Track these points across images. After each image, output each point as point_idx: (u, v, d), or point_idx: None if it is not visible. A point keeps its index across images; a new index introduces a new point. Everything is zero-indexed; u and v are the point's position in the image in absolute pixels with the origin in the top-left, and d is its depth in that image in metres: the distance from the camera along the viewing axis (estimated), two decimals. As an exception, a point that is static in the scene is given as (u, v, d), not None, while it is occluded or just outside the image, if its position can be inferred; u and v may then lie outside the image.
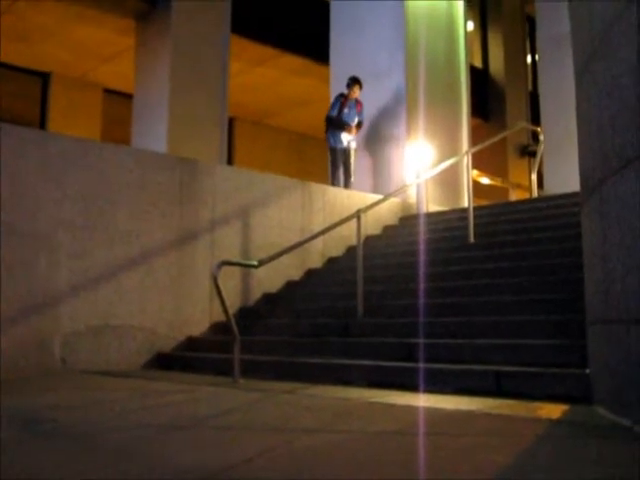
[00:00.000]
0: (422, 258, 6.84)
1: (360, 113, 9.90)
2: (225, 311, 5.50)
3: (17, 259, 5.95)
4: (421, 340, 5.25)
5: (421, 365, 4.82)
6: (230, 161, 13.47)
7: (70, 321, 6.18)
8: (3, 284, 5.81)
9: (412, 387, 4.63)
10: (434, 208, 9.61)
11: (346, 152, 9.73)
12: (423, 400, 4.27)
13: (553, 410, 3.75)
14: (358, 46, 10.51)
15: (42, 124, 12.33)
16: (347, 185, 9.60)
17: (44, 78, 12.65)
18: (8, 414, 3.92)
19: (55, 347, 6.10)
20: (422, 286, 6.07)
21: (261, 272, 7.21)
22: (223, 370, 5.79)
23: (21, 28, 11.15)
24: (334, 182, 9.58)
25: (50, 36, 11.51)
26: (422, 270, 6.36)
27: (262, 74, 13.36)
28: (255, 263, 6.03)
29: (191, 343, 6.89)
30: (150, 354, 6.67)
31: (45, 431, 3.46)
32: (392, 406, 4.09)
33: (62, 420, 3.75)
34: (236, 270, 7.16)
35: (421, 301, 5.76)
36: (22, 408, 4.16)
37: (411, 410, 3.95)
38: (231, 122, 12.13)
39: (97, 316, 6.33)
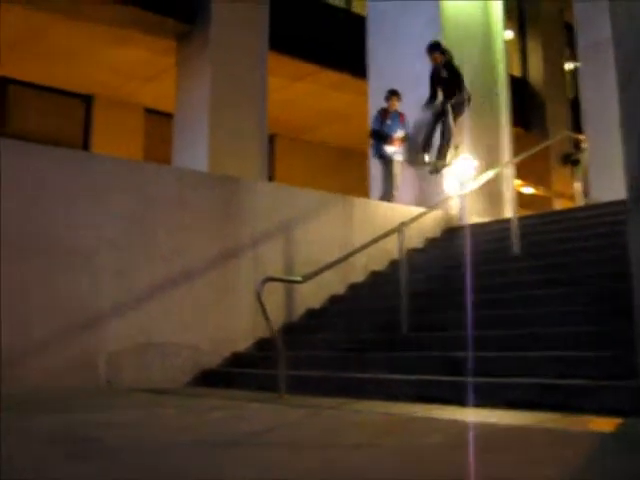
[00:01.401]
0: (466, 270, 6.75)
1: (403, 125, 9.89)
2: (269, 327, 5.51)
3: (64, 278, 6.04)
4: (467, 353, 5.17)
5: (467, 379, 4.75)
6: (271, 177, 13.54)
7: (114, 339, 6.25)
8: (49, 303, 5.91)
9: (458, 401, 4.55)
10: (476, 219, 9.51)
11: (390, 164, 9.74)
12: (471, 414, 4.21)
13: (605, 423, 3.66)
14: (395, 58, 10.49)
15: (85, 145, 12.56)
16: (390, 198, 9.58)
17: (87, 100, 12.89)
18: (54, 430, 3.96)
19: (100, 365, 6.16)
20: (467, 299, 5.99)
21: (304, 287, 7.19)
22: (268, 386, 5.77)
23: (63, 52, 11.39)
24: (382, 195, 9.64)
25: (93, 58, 11.74)
26: (467, 282, 6.28)
27: (301, 90, 13.43)
28: (299, 279, 6.03)
29: (235, 359, 6.90)
30: (194, 371, 6.69)
31: (90, 449, 3.48)
32: (438, 420, 4.03)
33: (107, 439, 3.77)
34: (279, 286, 7.15)
35: (467, 314, 5.68)
36: (65, 425, 4.20)
37: (458, 424, 3.89)
38: (271, 138, 12.20)
39: (141, 334, 6.39)
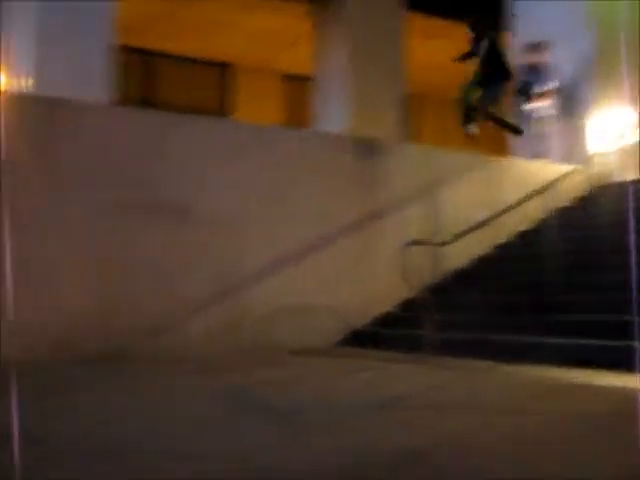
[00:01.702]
0: (621, 229, 6.41)
1: (548, 79, 9.46)
2: (415, 288, 5.48)
3: (211, 243, 6.26)
4: (631, 317, 4.92)
5: (635, 343, 4.53)
6: (411, 139, 13.38)
7: (262, 302, 6.43)
8: (200, 268, 6.15)
9: (620, 367, 4.35)
10: (626, 177, 8.98)
11: (535, 120, 9.39)
12: (635, 381, 4.02)
13: None
14: (540, 12, 10.02)
15: (227, 113, 12.86)
16: (537, 155, 9.24)
17: (226, 69, 13.18)
18: (222, 391, 4.14)
19: (250, 326, 6.35)
20: (624, 259, 5.70)
21: (450, 249, 7.06)
22: (415, 347, 5.76)
23: (203, 23, 11.66)
24: (528, 153, 9.32)
25: (230, 28, 11.95)
26: (623, 242, 5.96)
27: (437, 48, 13.11)
28: (444, 241, 5.95)
29: (382, 320, 6.94)
30: (342, 332, 6.79)
31: (259, 407, 3.61)
32: (597, 387, 3.88)
33: (270, 397, 3.90)
34: (424, 247, 7.09)
35: (625, 275, 5.40)
36: (232, 386, 4.38)
37: (619, 391, 3.72)
38: (410, 99, 11.99)
39: (288, 297, 6.53)
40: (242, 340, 6.31)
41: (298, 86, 13.13)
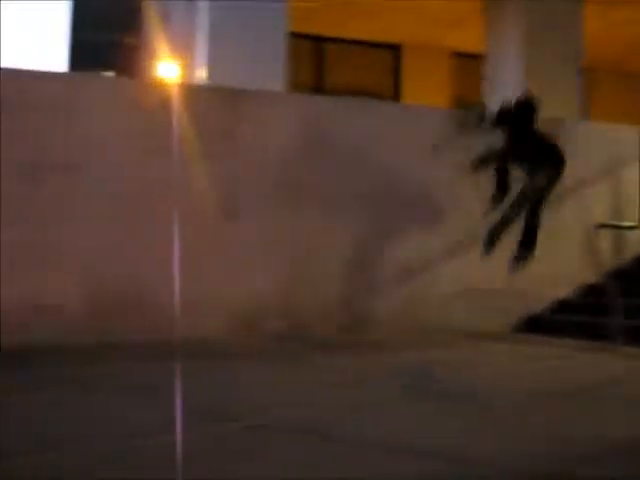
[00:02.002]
0: None
1: None
2: (600, 273, 5.28)
3: (394, 227, 6.35)
4: None
5: None
6: (588, 115, 12.78)
7: (445, 284, 6.45)
8: (380, 249, 6.27)
9: None
10: None
11: None
12: None
13: None
14: None
15: (396, 94, 12.87)
16: None
17: (395, 50, 13.17)
18: (395, 371, 4.21)
19: (432, 308, 6.39)
20: None
21: (634, 232, 6.75)
22: (597, 335, 5.57)
23: (371, 5, 11.70)
24: None
25: (399, 8, 11.91)
26: None
27: (617, 17, 12.39)
28: (634, 224, 5.66)
29: (561, 306, 6.73)
30: (519, 317, 6.67)
31: (439, 392, 3.64)
32: None
33: (447, 380, 3.92)
34: (607, 230, 6.80)
35: None
36: (406, 366, 4.44)
37: None
38: (585, 72, 11.44)
39: (468, 279, 6.50)
40: (420, 321, 6.36)
41: (469, 64, 12.89)
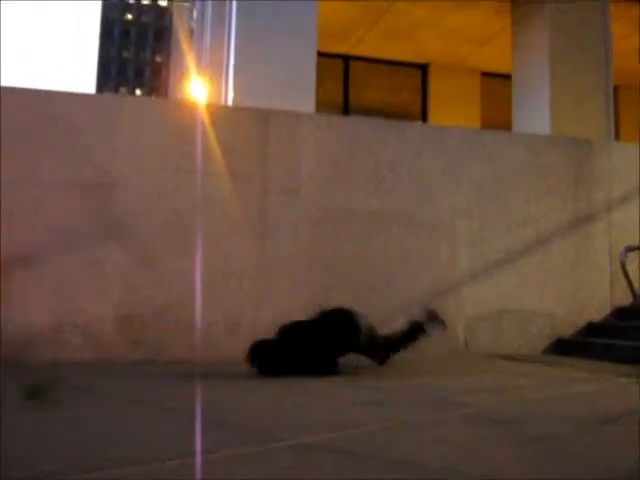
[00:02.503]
0: None
1: None
2: (631, 296, 5.22)
3: (421, 247, 6.34)
4: None
5: None
6: (616, 134, 12.71)
7: (472, 305, 6.41)
8: (408, 270, 6.24)
9: None
10: None
11: None
12: None
13: None
14: None
15: (423, 113, 12.90)
16: None
17: (423, 69, 13.20)
18: (424, 394, 4.17)
19: (458, 330, 6.36)
20: None
21: (668, 255, 6.69)
22: (629, 359, 5.49)
23: (400, 26, 11.76)
24: None
25: (427, 28, 11.96)
26: None
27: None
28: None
29: (591, 328, 6.66)
30: (549, 339, 6.61)
31: (465, 415, 3.60)
32: None
33: (477, 405, 3.88)
34: (637, 253, 6.73)
35: None
36: (436, 389, 4.41)
37: None
38: (614, 91, 11.38)
39: (497, 301, 6.47)
40: (454, 342, 6.33)
41: (497, 84, 12.90)
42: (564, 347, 6.52)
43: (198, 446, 2.65)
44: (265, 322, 5.83)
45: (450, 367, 5.57)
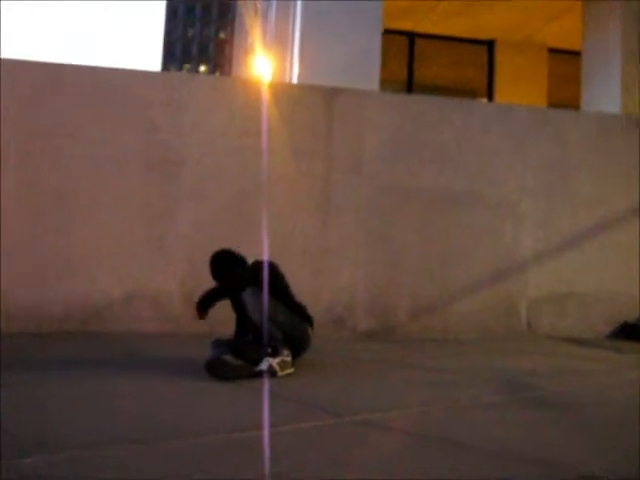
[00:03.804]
0: None
1: None
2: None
3: (485, 227, 6.29)
4: None
5: None
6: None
7: (535, 287, 6.34)
8: (472, 250, 6.21)
9: None
10: None
11: None
12: None
13: None
14: None
15: (489, 91, 12.68)
16: None
17: (489, 45, 12.96)
18: (488, 375, 4.16)
19: (521, 311, 6.31)
20: None
21: None
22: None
23: (466, 1, 11.56)
24: None
25: (493, 3, 11.73)
26: None
27: None
28: None
29: (658, 313, 6.52)
30: (613, 324, 6.48)
31: (534, 398, 3.58)
32: None
33: (546, 388, 3.85)
34: None
35: None
36: (500, 370, 4.39)
37: None
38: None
39: (561, 283, 6.38)
40: (516, 323, 6.29)
41: (566, 60, 12.58)
42: (629, 332, 6.39)
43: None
44: (325, 300, 5.90)
45: (514, 349, 5.54)
